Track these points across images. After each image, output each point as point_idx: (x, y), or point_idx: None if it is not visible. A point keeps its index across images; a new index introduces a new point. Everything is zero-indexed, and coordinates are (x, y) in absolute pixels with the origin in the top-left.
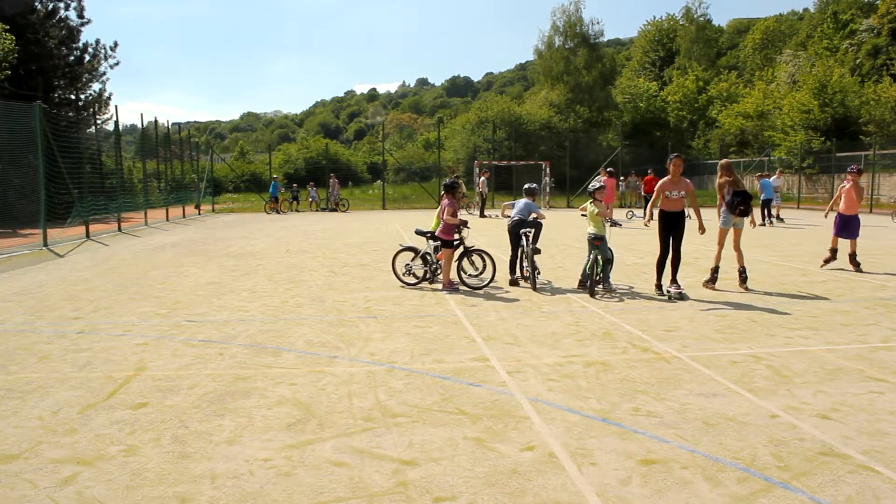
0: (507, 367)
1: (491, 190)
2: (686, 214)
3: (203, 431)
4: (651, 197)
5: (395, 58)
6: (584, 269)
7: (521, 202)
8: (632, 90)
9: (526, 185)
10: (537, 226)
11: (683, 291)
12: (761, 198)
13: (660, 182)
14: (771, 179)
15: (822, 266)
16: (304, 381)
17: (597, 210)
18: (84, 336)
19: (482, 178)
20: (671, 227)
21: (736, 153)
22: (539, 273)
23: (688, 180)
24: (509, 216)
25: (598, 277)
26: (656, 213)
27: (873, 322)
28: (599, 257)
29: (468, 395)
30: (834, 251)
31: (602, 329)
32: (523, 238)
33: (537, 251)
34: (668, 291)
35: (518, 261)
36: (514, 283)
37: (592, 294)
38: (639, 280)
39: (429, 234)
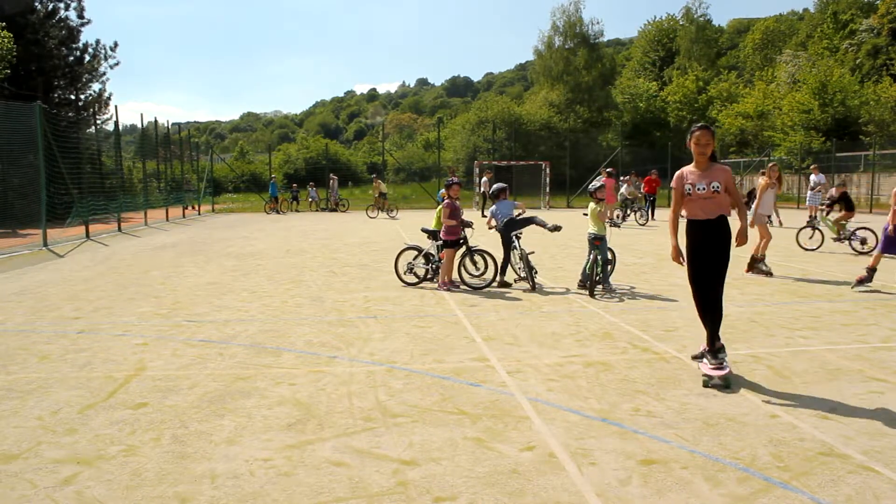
0: (507, 367)
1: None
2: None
3: (203, 431)
4: (652, 198)
5: (395, 58)
6: (584, 270)
7: (499, 204)
8: (632, 90)
9: (495, 187)
10: (528, 221)
11: (727, 371)
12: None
13: (676, 174)
14: (812, 177)
15: (852, 287)
16: (304, 381)
17: (599, 209)
18: (84, 336)
19: (484, 178)
20: (704, 247)
21: (736, 153)
22: (536, 273)
23: (724, 166)
24: (495, 227)
25: (597, 277)
26: (682, 224)
27: (873, 322)
28: (599, 257)
29: (468, 395)
30: (872, 270)
31: (602, 329)
32: (515, 240)
33: (531, 251)
34: (699, 368)
35: (508, 263)
36: (504, 284)
37: (592, 294)
38: (639, 280)
39: (433, 234)
